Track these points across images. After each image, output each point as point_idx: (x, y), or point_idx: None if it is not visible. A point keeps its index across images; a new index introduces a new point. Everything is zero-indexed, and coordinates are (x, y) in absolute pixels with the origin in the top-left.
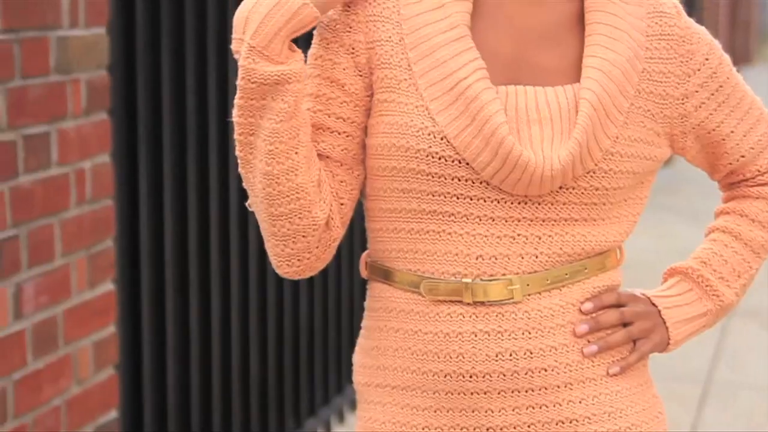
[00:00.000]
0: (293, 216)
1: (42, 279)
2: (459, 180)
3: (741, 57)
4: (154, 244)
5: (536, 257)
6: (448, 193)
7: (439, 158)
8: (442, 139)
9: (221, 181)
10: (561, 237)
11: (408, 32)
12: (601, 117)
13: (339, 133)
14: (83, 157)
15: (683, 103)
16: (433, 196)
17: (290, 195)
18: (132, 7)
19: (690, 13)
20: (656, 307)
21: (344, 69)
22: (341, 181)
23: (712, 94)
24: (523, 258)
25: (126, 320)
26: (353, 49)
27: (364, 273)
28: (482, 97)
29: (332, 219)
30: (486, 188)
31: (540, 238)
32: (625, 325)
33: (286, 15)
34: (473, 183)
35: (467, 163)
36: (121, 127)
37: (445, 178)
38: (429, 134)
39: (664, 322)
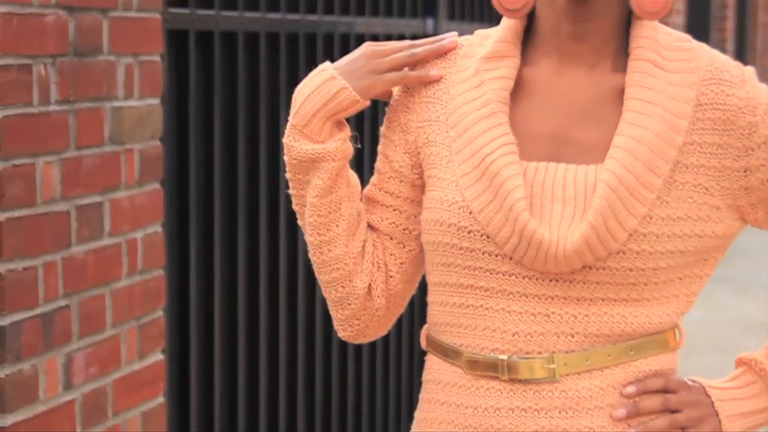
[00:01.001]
0: (336, 284)
1: (92, 349)
2: (489, 255)
3: None
4: (203, 314)
5: (572, 336)
6: (481, 267)
7: (468, 232)
8: (470, 213)
9: (270, 252)
10: (598, 317)
11: (451, 111)
12: (623, 197)
13: (386, 207)
14: (135, 227)
15: (746, 176)
16: (469, 270)
17: (331, 264)
18: (186, 77)
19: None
20: (710, 398)
21: (396, 146)
22: (391, 254)
23: None
24: (558, 337)
25: (174, 391)
26: (406, 127)
27: (423, 344)
28: (504, 172)
29: (374, 289)
30: (516, 264)
31: (576, 318)
32: (673, 412)
33: (325, 97)
34: (502, 258)
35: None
36: (172, 197)
37: (476, 252)
38: (459, 208)
39: (717, 414)
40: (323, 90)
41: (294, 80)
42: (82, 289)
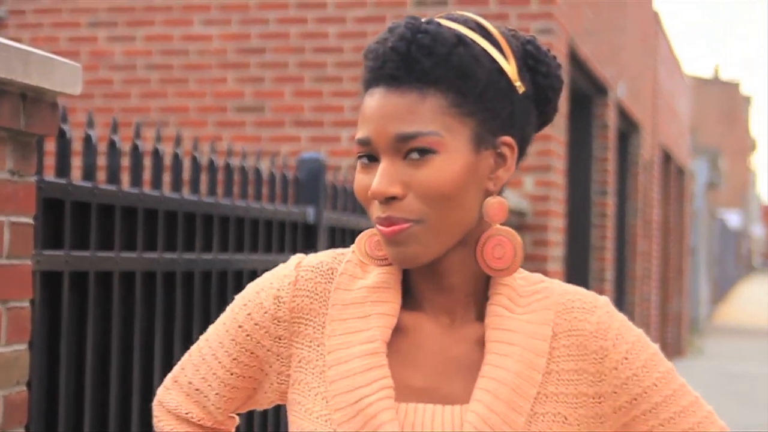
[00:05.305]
0: None
1: None
2: None
3: (673, 350)
4: None
5: None
6: None
7: None
8: None
9: None
10: None
11: (330, 335)
12: None
13: None
14: None
15: (600, 403)
16: None
17: None
18: (58, 319)
19: (620, 308)
20: None
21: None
22: None
23: (634, 399)
24: None
25: None
26: (277, 339)
27: None
28: (381, 416)
29: None
30: None
31: None
32: None
33: None
34: None
35: None
36: None
37: None
38: None
39: None
40: None
41: (170, 318)
42: None
